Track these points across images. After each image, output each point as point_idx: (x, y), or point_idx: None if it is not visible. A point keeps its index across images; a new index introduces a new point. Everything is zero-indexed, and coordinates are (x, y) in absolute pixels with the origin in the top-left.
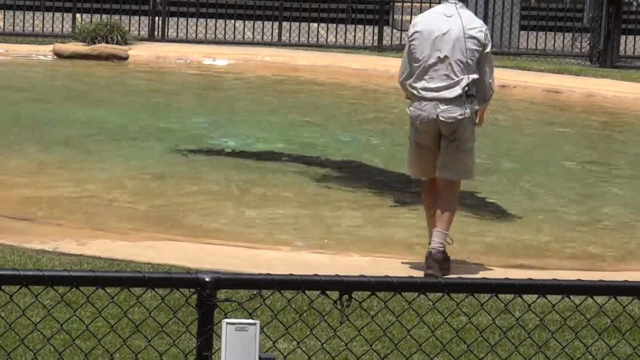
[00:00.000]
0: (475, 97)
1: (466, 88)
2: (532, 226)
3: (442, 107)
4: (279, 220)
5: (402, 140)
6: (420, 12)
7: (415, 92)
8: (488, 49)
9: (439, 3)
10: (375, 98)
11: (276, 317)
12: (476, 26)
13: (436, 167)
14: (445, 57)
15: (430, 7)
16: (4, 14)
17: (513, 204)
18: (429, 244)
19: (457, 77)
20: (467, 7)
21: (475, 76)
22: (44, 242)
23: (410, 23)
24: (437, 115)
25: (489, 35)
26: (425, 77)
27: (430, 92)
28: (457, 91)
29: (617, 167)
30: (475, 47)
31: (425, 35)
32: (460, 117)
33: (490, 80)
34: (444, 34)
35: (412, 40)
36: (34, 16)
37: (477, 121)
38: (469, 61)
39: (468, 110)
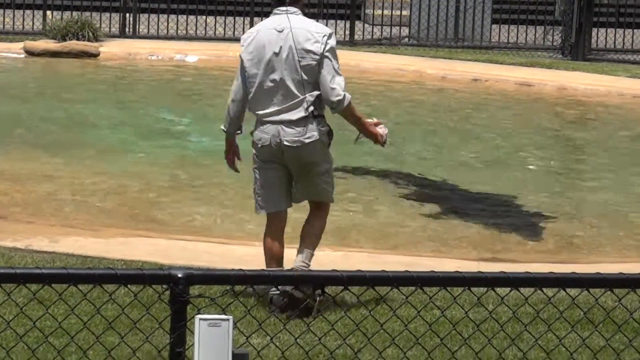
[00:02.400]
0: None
1: (311, 108)
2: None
3: (286, 130)
4: (252, 216)
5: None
6: (392, 7)
7: (257, 115)
8: (326, 53)
9: None
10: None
11: (249, 313)
12: (310, 37)
13: (286, 199)
14: (282, 78)
15: (401, 1)
16: None
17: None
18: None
19: (298, 96)
20: (302, 12)
21: (317, 92)
22: (16, 239)
23: (244, 38)
24: (281, 139)
25: (328, 38)
26: (265, 101)
27: (272, 116)
28: (300, 113)
29: (588, 160)
30: (311, 62)
31: (257, 56)
32: (306, 140)
33: (334, 85)
34: (277, 53)
35: (244, 61)
36: (4, 14)
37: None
38: (307, 77)
39: (315, 132)
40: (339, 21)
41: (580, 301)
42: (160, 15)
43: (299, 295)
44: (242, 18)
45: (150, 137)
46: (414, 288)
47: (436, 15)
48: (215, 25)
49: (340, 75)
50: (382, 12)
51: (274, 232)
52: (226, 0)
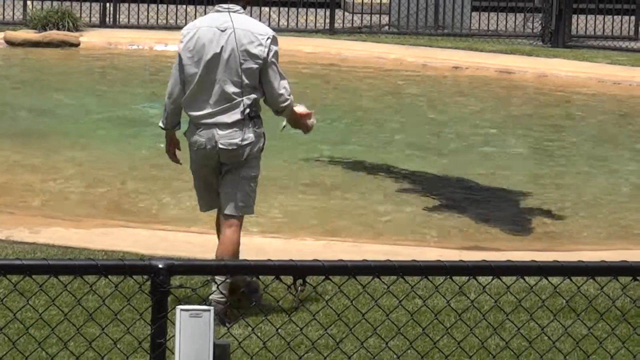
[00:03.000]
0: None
1: (247, 110)
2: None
3: (221, 132)
4: None
5: (355, 123)
6: None
7: (191, 116)
8: (271, 59)
9: None
10: (327, 81)
11: (230, 303)
12: (253, 40)
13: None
14: (221, 80)
15: None
16: None
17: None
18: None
19: (235, 99)
20: (244, 9)
21: (255, 96)
22: None
23: (184, 34)
24: (217, 142)
25: (272, 42)
26: (201, 101)
27: (207, 118)
28: (236, 115)
29: (569, 147)
30: (253, 65)
31: (196, 54)
32: (242, 142)
33: (281, 91)
34: (218, 54)
35: (182, 57)
36: None
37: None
38: (248, 81)
39: (251, 135)
40: (319, 9)
41: (563, 289)
42: (141, 5)
43: (221, 302)
44: None
45: (130, 127)
46: (395, 277)
47: (416, 3)
48: (195, 14)
49: (285, 78)
50: (362, 0)
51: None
52: None
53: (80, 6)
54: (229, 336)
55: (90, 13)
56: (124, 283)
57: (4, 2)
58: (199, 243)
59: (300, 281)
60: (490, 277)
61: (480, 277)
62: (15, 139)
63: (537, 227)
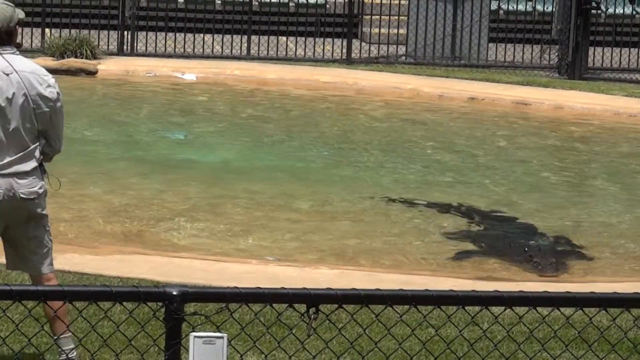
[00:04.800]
0: (47, 157)
1: (40, 157)
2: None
3: (21, 181)
4: (248, 233)
5: (365, 153)
6: (389, 25)
7: None
8: (59, 102)
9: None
10: (344, 111)
11: (244, 330)
12: (41, 82)
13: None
14: (16, 127)
15: (398, 20)
16: None
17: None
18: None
19: (29, 146)
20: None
21: (43, 141)
22: None
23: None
24: (16, 193)
25: (56, 82)
26: None
27: (5, 169)
28: (32, 163)
29: (584, 178)
30: (46, 110)
31: None
32: (40, 190)
33: (62, 136)
34: (10, 99)
35: None
36: None
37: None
38: (40, 126)
39: (43, 182)
40: (336, 39)
41: (575, 320)
42: (158, 34)
43: None
44: (239, 36)
45: (147, 155)
46: (408, 307)
47: (433, 34)
48: (212, 43)
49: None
50: (379, 31)
51: None
52: (224, 18)
53: (99, 34)
54: None
55: (108, 41)
56: (138, 310)
57: (22, 30)
58: (215, 270)
59: (313, 309)
60: (503, 308)
61: (492, 308)
62: None
63: (549, 258)
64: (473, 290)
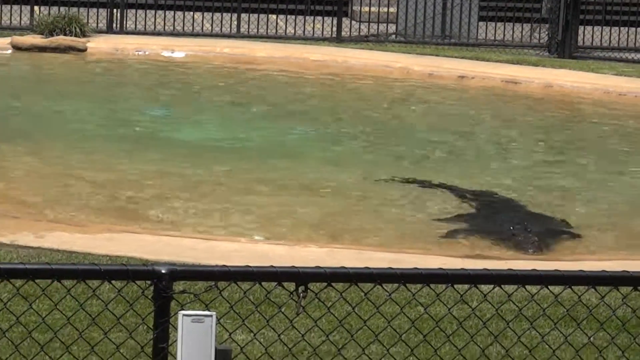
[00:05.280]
0: None
1: None
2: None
3: None
4: (238, 212)
5: (356, 132)
6: (379, 4)
7: None
8: None
9: None
10: (333, 89)
11: (233, 309)
12: None
13: None
14: None
15: None
16: None
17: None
18: None
19: None
20: None
21: None
22: (1, 235)
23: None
24: None
25: None
26: None
27: None
28: None
29: (573, 157)
30: None
31: None
32: None
33: None
34: None
35: None
36: None
37: None
38: None
39: None
40: (326, 18)
41: (564, 298)
42: (148, 11)
43: None
44: (229, 14)
45: (136, 133)
46: (397, 285)
47: (423, 12)
48: (202, 21)
49: None
50: (369, 9)
51: None
52: None
53: (88, 12)
54: (231, 342)
55: (97, 19)
56: (127, 288)
57: (11, 7)
58: (204, 249)
59: (302, 288)
60: (492, 286)
61: (482, 286)
62: (21, 143)
63: (538, 236)
64: (462, 269)
